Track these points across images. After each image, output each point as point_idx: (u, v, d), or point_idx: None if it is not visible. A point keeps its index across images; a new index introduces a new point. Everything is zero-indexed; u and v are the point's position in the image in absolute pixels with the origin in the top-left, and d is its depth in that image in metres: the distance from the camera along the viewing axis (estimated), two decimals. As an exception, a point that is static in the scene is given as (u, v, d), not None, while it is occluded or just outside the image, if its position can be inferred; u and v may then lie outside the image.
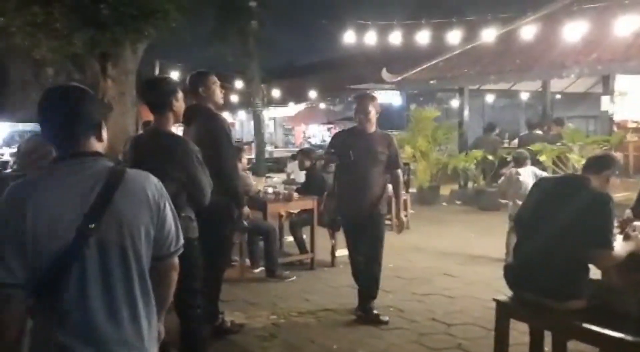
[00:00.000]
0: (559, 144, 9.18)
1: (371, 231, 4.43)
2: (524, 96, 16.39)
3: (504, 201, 6.39)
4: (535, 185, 3.31)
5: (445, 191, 10.79)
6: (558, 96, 15.35)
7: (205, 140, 3.43)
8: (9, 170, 7.36)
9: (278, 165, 17.36)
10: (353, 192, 4.40)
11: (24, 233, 1.56)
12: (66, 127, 1.68)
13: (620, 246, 2.95)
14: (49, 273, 1.56)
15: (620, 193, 4.61)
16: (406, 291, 5.23)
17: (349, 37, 10.85)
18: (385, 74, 11.41)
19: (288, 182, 12.35)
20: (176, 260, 1.87)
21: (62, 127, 1.68)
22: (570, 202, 3.00)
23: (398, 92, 23.36)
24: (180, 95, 3.21)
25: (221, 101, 4.00)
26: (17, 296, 1.58)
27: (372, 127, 4.43)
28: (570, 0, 8.25)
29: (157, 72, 15.59)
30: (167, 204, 1.78)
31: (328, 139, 25.46)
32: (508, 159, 9.50)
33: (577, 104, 16.14)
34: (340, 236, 6.26)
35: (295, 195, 5.98)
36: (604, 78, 8.99)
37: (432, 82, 10.58)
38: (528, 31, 8.49)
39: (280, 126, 29.82)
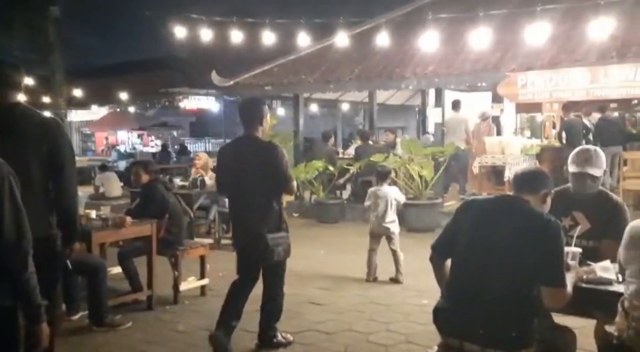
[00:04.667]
0: (391, 153, 9.28)
1: None
2: (344, 107, 16.74)
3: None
4: (462, 209, 2.78)
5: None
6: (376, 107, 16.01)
7: (43, 150, 2.57)
8: None
9: (81, 176, 15.16)
10: None
11: None
12: None
13: (568, 280, 2.55)
14: None
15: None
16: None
17: (169, 34, 9.64)
18: (215, 77, 10.45)
19: (97, 197, 10.65)
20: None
21: None
22: (514, 230, 2.53)
23: (214, 98, 22.50)
24: None
25: None
26: None
27: None
28: (418, 7, 8.33)
29: None
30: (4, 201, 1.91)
31: (139, 147, 23.29)
32: (352, 171, 9.35)
33: (391, 115, 17.03)
34: (185, 266, 5.28)
35: (129, 219, 4.77)
36: (436, 91, 9.30)
37: (267, 88, 9.95)
38: (371, 39, 8.37)
39: (77, 131, 26.57)
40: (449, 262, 2.77)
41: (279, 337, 4.04)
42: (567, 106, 8.94)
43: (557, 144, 8.91)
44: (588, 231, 3.14)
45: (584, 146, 3.38)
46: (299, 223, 9.43)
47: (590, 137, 9.25)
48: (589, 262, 2.88)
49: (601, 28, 6.90)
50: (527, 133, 10.40)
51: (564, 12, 8.26)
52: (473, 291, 2.53)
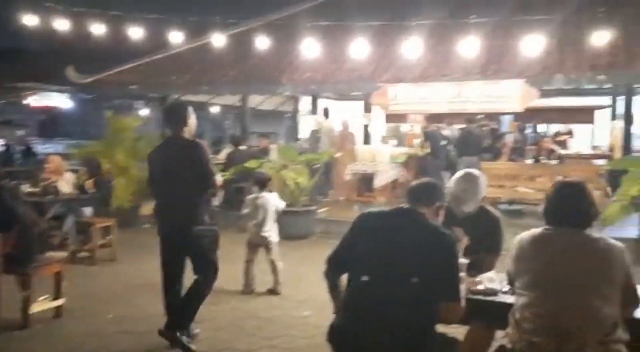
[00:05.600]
0: (265, 159, 9.13)
1: None
2: (214, 110, 16.27)
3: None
4: (359, 222, 2.68)
5: (145, 210, 9.57)
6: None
7: None
8: None
9: None
10: None
11: None
12: None
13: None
14: None
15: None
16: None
17: (17, 23, 8.60)
18: (71, 73, 9.47)
19: None
20: None
21: None
22: (411, 244, 2.49)
23: (68, 95, 20.80)
24: None
25: None
26: None
27: None
28: (295, 13, 8.20)
29: None
30: None
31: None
32: (224, 177, 8.98)
33: (261, 120, 16.90)
34: (37, 284, 4.63)
35: (-33, 233, 4.05)
36: (312, 98, 9.31)
37: (132, 87, 9.23)
38: (248, 42, 8.10)
39: None
40: (344, 277, 2.66)
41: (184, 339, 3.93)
42: (429, 118, 9.48)
43: (421, 152, 9.41)
44: (468, 245, 3.26)
45: (467, 172, 3.55)
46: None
47: (449, 147, 9.91)
48: (473, 272, 2.96)
49: (468, 45, 7.37)
50: (394, 142, 10.86)
51: (433, 28, 8.71)
52: (372, 307, 2.44)
